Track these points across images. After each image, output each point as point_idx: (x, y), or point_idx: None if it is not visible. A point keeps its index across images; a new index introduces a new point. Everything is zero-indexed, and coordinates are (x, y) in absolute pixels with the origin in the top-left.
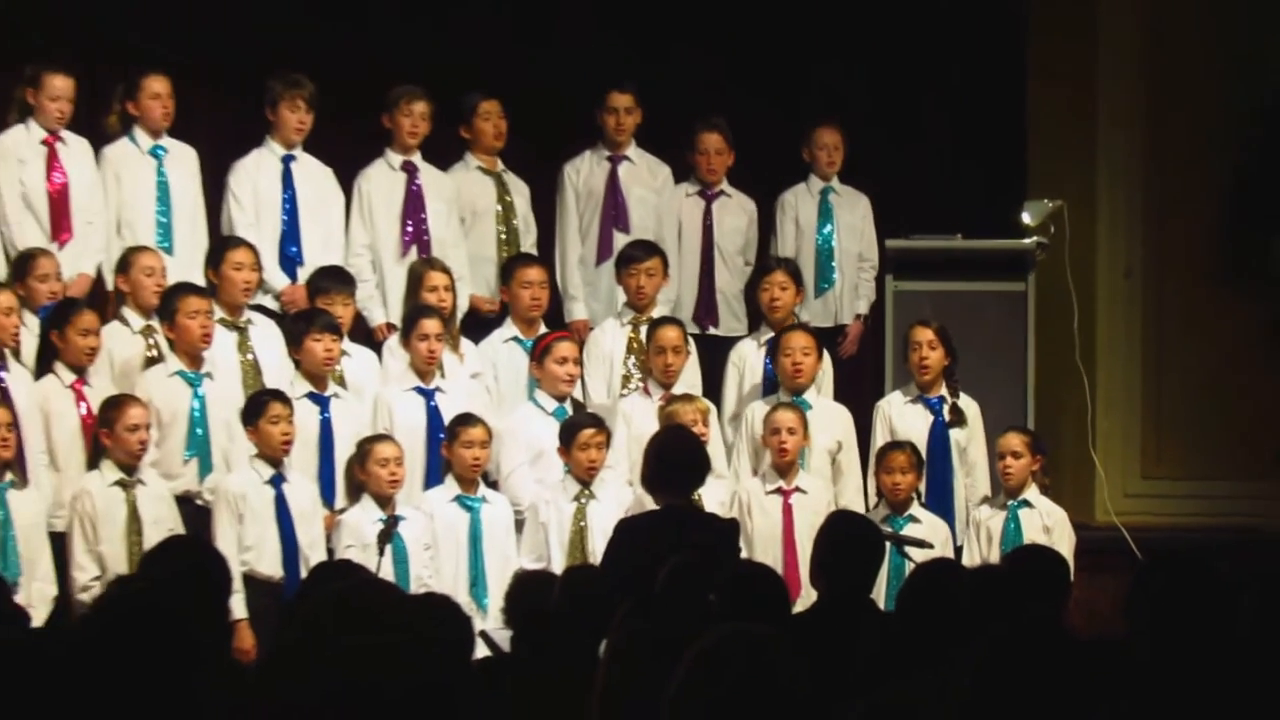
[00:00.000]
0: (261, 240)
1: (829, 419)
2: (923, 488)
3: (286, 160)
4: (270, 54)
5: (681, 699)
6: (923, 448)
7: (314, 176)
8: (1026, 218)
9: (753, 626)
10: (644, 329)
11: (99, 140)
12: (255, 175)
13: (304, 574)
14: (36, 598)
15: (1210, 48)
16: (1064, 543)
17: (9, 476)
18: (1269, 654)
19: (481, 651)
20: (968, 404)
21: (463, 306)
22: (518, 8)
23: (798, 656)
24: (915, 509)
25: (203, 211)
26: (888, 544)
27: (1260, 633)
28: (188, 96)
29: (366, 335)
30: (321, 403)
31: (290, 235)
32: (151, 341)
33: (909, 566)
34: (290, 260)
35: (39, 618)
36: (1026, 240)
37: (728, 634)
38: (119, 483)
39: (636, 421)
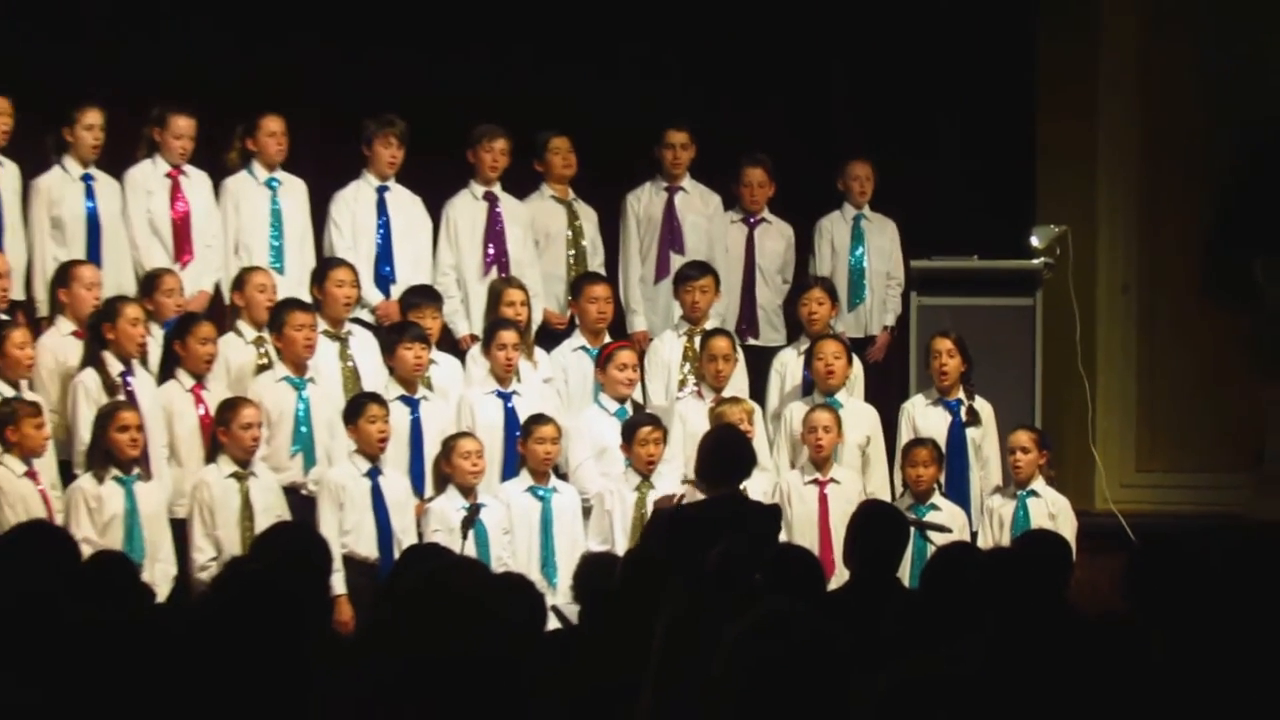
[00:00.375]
0: (359, 261)
1: (859, 418)
2: (942, 479)
3: (381, 191)
4: (366, 96)
5: (730, 666)
6: (942, 444)
7: (405, 205)
8: (1035, 241)
9: (792, 602)
10: (698, 339)
11: (216, 172)
12: (353, 204)
13: (397, 555)
14: (159, 577)
15: (1199, 94)
16: (1067, 528)
17: (135, 470)
18: (1249, 624)
19: (552, 624)
20: (982, 405)
21: (537, 319)
22: (587, 55)
23: (832, 629)
24: (936, 498)
25: (310, 236)
26: (912, 529)
27: (1241, 606)
28: (296, 135)
29: (452, 345)
30: (412, 404)
31: (384, 256)
32: (262, 350)
33: (930, 549)
34: (384, 279)
35: (162, 595)
36: (1035, 261)
37: (770, 609)
38: (234, 475)
39: (690, 420)
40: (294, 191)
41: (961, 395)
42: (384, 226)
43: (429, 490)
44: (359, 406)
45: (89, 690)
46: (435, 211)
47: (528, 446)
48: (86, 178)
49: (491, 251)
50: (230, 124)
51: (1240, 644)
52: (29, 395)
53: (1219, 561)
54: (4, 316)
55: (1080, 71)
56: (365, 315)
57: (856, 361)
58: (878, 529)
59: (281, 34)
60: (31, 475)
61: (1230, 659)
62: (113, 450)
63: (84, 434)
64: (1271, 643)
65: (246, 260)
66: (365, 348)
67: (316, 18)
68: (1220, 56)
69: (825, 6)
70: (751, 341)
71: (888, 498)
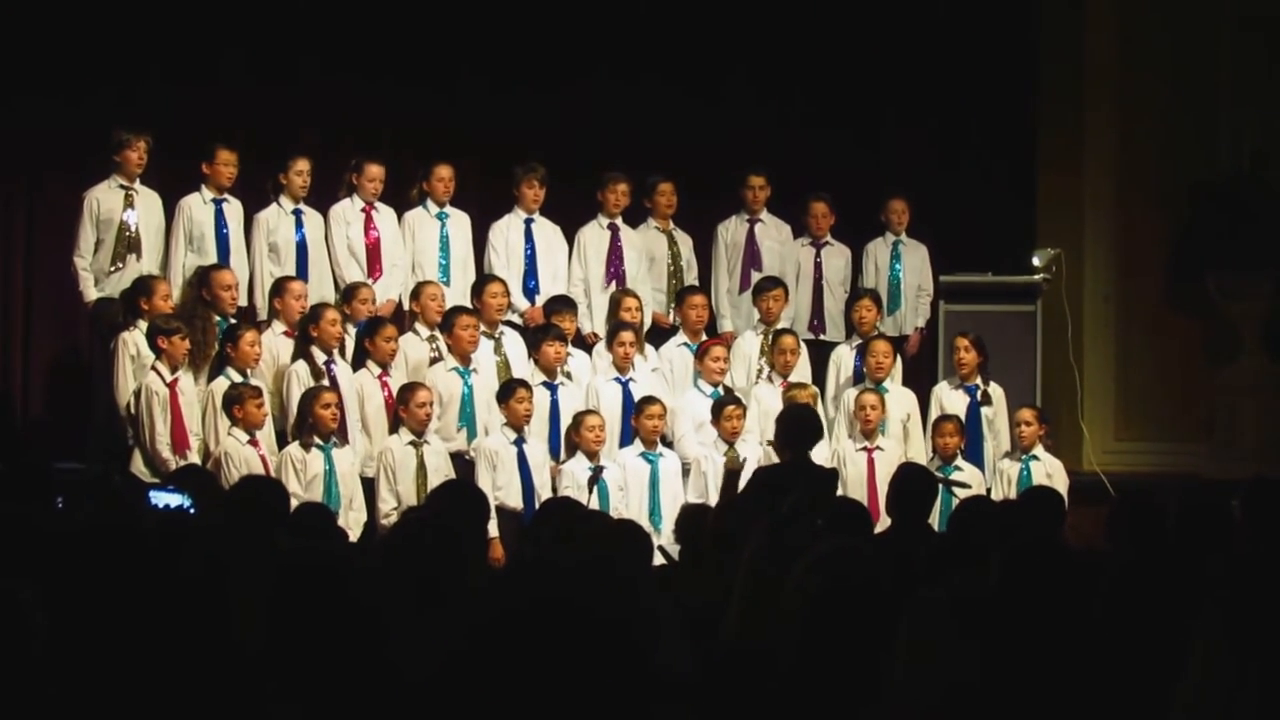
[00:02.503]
0: (510, 277)
1: (899, 399)
2: (964, 447)
3: (527, 222)
4: (515, 147)
5: (799, 589)
6: (964, 419)
7: (546, 232)
8: (1036, 261)
9: (847, 541)
10: (771, 337)
11: (400, 207)
12: (506, 232)
13: (537, 506)
14: (352, 523)
15: (1160, 151)
16: (1061, 484)
17: (333, 439)
18: (1198, 555)
19: (658, 560)
20: (994, 389)
21: (647, 322)
22: (690, 111)
23: (878, 563)
24: (959, 461)
25: (471, 257)
26: (940, 485)
27: (1188, 541)
28: (461, 178)
29: (582, 342)
30: (551, 389)
31: (530, 273)
32: (435, 346)
33: (954, 501)
34: (530, 290)
35: (354, 536)
36: (1035, 276)
37: (831, 547)
38: (411, 443)
39: (764, 401)
40: (459, 222)
41: (978, 381)
42: (530, 249)
43: (563, 455)
44: (509, 390)
45: (302, 606)
46: (570, 236)
47: (640, 421)
48: (296, 212)
49: (612, 269)
50: (411, 170)
51: (1193, 571)
52: (253, 381)
53: (1179, 510)
54: (232, 319)
55: (1071, 134)
56: (515, 318)
57: (897, 356)
58: (913, 485)
59: (452, 96)
60: (253, 443)
61: (1185, 582)
62: (316, 423)
63: (295, 411)
64: (1216, 567)
65: (421, 276)
66: (515, 344)
67: (481, 86)
68: (1178, 125)
69: (869, 80)
70: (821, 337)
71: (922, 461)
